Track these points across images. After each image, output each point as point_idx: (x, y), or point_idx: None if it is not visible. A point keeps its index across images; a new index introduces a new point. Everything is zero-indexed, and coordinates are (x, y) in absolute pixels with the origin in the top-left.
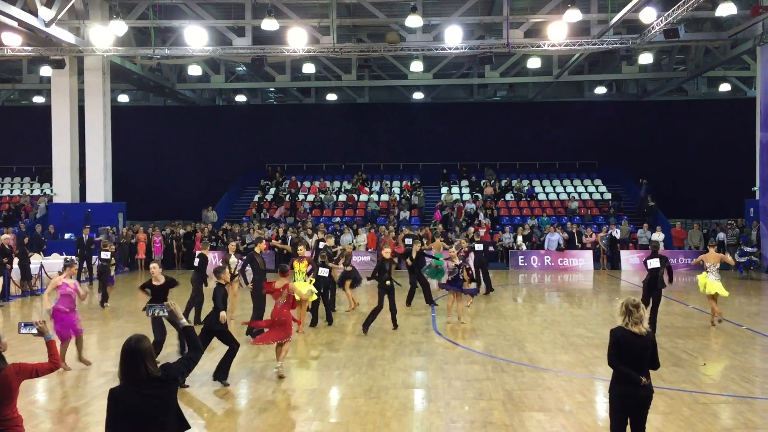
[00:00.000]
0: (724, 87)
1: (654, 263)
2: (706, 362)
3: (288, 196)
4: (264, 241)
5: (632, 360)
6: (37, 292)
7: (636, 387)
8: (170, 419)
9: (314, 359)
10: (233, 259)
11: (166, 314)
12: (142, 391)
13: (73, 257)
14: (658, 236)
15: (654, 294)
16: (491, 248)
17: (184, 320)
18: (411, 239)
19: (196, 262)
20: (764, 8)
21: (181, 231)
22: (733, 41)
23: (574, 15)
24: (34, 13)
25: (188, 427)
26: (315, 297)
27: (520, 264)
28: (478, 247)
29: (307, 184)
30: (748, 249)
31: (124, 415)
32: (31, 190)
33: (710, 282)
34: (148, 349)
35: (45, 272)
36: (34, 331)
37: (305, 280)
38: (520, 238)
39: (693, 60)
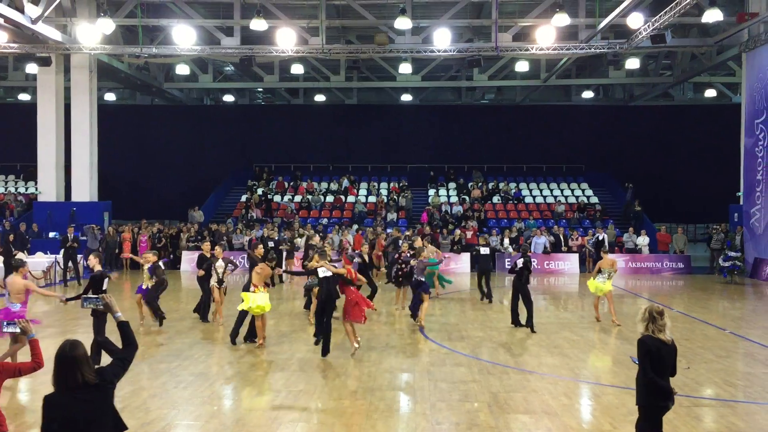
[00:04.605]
0: (710, 93)
1: (520, 263)
2: (690, 366)
3: (264, 197)
4: (261, 246)
5: (663, 369)
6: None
7: (671, 399)
8: (107, 423)
9: (300, 360)
10: (220, 263)
11: (101, 306)
12: (77, 397)
13: (23, 257)
14: (643, 240)
15: (522, 290)
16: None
17: (119, 314)
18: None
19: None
20: (750, 15)
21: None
22: (719, 47)
23: (562, 19)
24: (21, 10)
25: (125, 428)
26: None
27: (506, 266)
28: (484, 251)
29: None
30: (732, 254)
31: (59, 422)
32: (16, 188)
33: (598, 283)
34: (83, 356)
35: (29, 271)
36: (18, 329)
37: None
38: (507, 241)
39: (679, 65)
